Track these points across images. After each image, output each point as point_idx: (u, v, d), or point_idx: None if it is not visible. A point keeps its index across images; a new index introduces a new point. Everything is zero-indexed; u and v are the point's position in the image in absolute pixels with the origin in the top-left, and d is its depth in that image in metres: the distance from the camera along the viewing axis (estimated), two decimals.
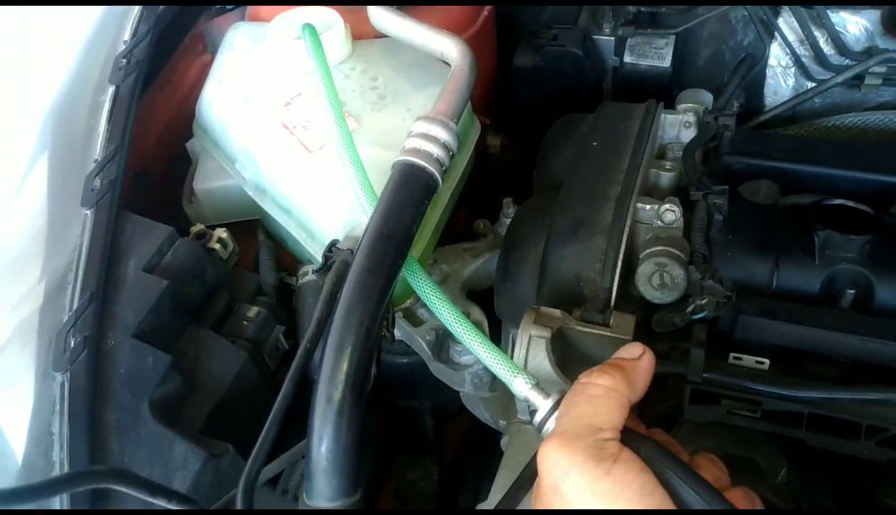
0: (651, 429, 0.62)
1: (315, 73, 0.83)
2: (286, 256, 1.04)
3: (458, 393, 1.04)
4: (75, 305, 0.80)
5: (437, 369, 1.00)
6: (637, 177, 0.92)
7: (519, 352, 0.79)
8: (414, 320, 1.01)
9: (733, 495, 0.56)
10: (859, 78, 1.32)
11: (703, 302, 0.75)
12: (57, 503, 0.74)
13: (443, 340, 1.00)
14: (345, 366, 0.62)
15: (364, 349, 0.64)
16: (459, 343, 0.98)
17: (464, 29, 1.14)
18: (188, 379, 0.77)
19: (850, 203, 0.85)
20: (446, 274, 1.04)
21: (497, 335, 0.99)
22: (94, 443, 0.77)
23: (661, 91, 1.30)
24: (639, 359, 0.59)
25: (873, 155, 0.98)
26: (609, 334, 0.80)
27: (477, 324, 0.99)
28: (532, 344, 0.78)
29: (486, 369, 0.80)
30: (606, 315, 0.81)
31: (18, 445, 0.78)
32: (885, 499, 0.70)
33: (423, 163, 0.71)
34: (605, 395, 0.55)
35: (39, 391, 0.78)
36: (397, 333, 1.03)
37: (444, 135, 0.73)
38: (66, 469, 0.74)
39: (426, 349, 0.98)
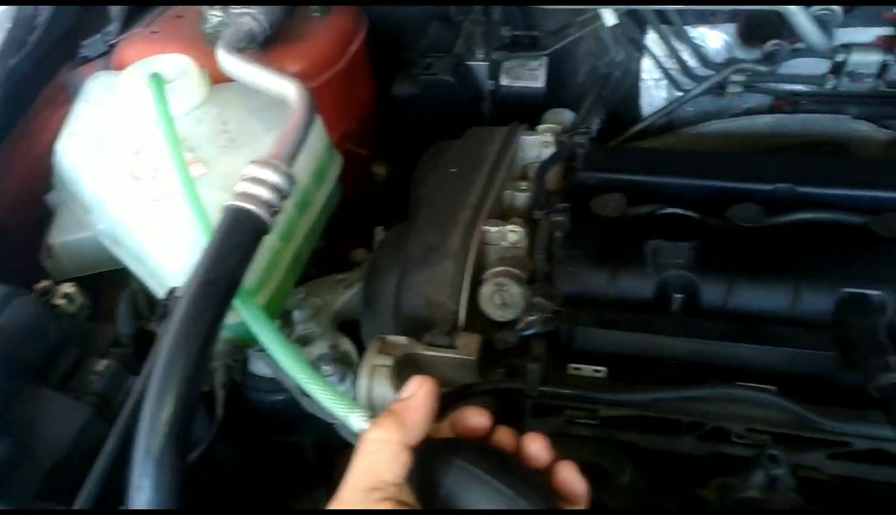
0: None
1: (158, 123, 0.85)
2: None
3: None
4: None
5: (307, 404, 1.01)
6: (488, 201, 0.96)
7: (362, 383, 0.82)
8: None
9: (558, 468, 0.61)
10: (722, 87, 1.40)
11: (533, 318, 0.79)
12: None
13: None
14: (164, 416, 0.62)
15: (184, 398, 0.64)
16: (327, 377, 1.01)
17: (330, 65, 1.17)
18: (21, 443, 0.76)
19: (679, 211, 0.89)
20: (318, 307, 1.06)
21: None
22: None
23: (540, 110, 1.35)
24: (412, 398, 0.60)
25: (712, 162, 1.04)
26: (454, 356, 0.84)
27: (346, 355, 1.02)
28: (375, 374, 0.81)
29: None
30: (453, 337, 0.84)
31: None
32: (704, 492, 0.74)
33: (250, 206, 0.73)
34: (378, 450, 0.58)
35: None
36: (268, 371, 1.04)
37: (274, 178, 0.75)
38: None
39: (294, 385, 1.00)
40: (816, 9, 1.18)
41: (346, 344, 1.01)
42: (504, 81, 1.38)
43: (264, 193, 0.75)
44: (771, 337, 0.79)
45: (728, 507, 0.69)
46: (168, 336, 0.65)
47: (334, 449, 1.21)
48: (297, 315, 1.06)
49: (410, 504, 0.56)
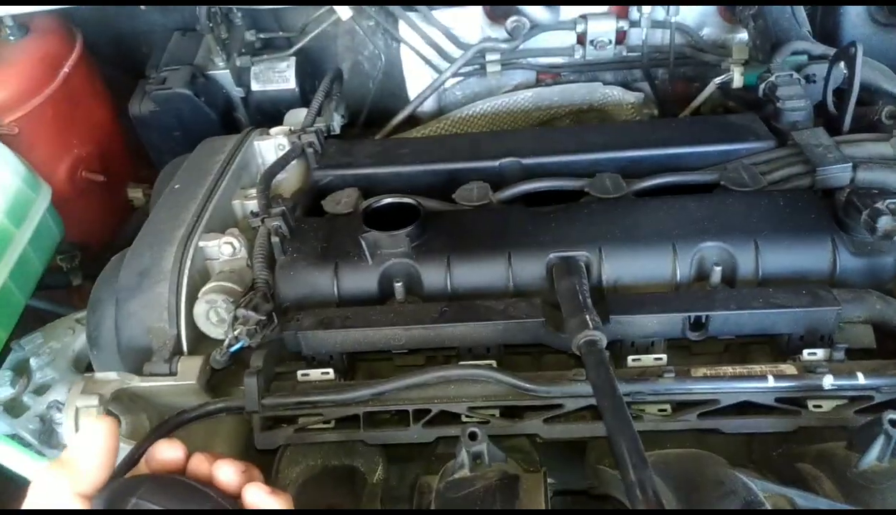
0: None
1: None
2: None
3: None
4: None
5: (52, 455, 0.93)
6: (205, 214, 0.91)
7: (67, 427, 0.76)
8: (16, 410, 0.94)
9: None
10: (483, 67, 1.42)
11: (237, 332, 0.75)
12: None
13: (50, 426, 0.94)
14: None
15: None
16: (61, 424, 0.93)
17: (38, 90, 1.08)
18: None
19: (396, 199, 0.89)
20: (55, 352, 0.99)
21: None
22: None
23: None
24: (81, 444, 0.56)
25: (441, 146, 1.05)
26: (173, 383, 0.79)
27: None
28: (81, 416, 0.75)
29: None
30: (173, 363, 0.79)
31: None
32: (430, 478, 0.73)
33: None
34: (46, 500, 0.54)
35: None
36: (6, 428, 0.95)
37: None
38: None
39: (33, 440, 0.92)
40: None
41: None
42: (255, 86, 1.33)
43: None
44: (485, 312, 0.79)
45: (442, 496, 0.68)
46: None
47: None
48: (34, 362, 0.99)
49: None
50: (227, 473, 0.59)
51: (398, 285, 0.83)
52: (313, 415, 0.78)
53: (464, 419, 0.76)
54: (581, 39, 1.37)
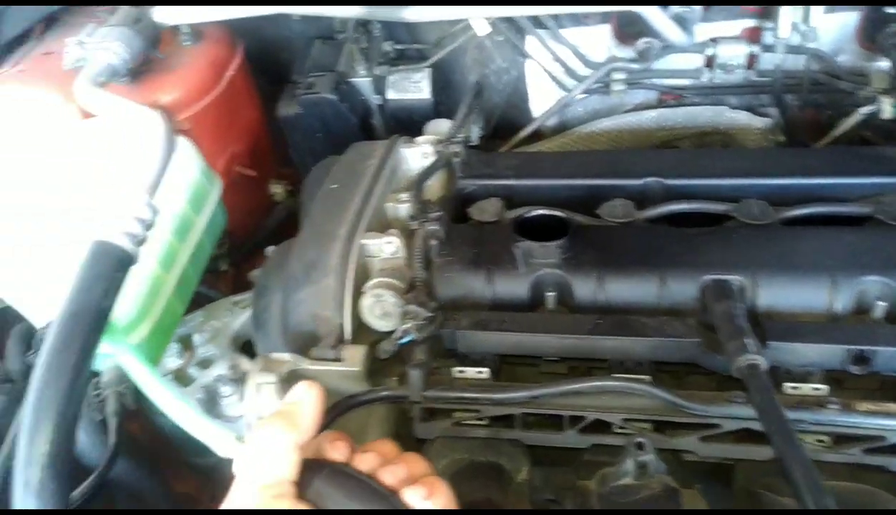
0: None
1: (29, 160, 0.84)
2: None
3: None
4: None
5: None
6: (366, 215, 0.97)
7: (249, 401, 0.82)
8: (184, 381, 1.02)
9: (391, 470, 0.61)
10: (607, 86, 1.45)
11: (407, 326, 0.81)
12: None
13: (214, 396, 1.01)
14: (39, 448, 0.62)
15: (60, 429, 0.64)
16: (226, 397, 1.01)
17: (206, 92, 1.17)
18: None
19: (546, 212, 0.92)
20: (217, 330, 1.07)
21: None
22: None
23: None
24: (299, 400, 0.62)
25: (584, 161, 1.08)
26: (339, 368, 0.84)
27: (246, 375, 1.02)
28: (261, 392, 0.81)
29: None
30: (339, 350, 0.85)
31: None
32: (588, 483, 0.76)
33: (112, 239, 0.73)
34: (267, 447, 0.58)
35: None
36: None
37: (135, 209, 0.76)
38: None
39: (198, 407, 0.99)
40: (675, 8, 1.23)
41: (246, 364, 1.01)
42: (391, 95, 1.39)
43: (126, 225, 0.75)
44: (639, 328, 0.81)
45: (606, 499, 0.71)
46: (36, 370, 0.65)
47: None
48: (196, 339, 1.07)
49: (306, 505, 0.56)
50: (395, 471, 0.62)
51: (550, 295, 0.87)
52: (468, 411, 0.83)
53: (615, 430, 0.80)
54: (709, 62, 1.38)
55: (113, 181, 0.88)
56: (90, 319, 0.69)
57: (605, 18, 1.41)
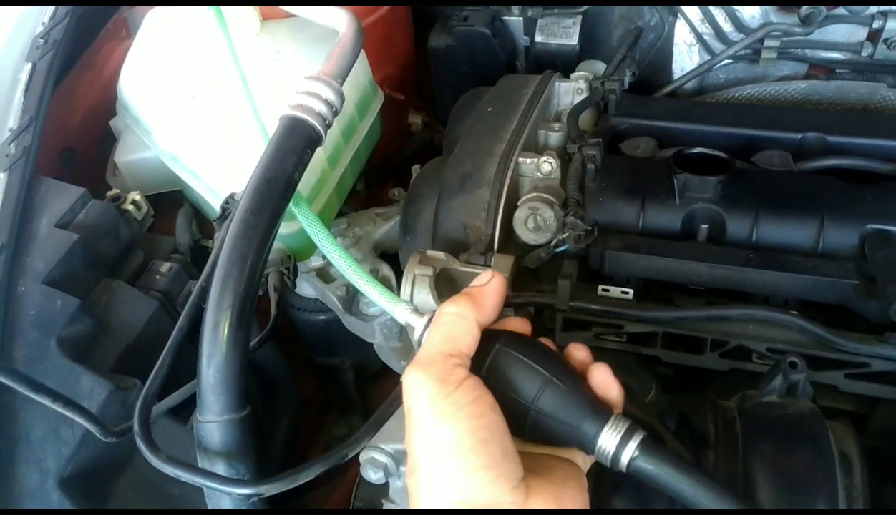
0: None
1: (223, 50, 0.90)
2: (209, 225, 1.11)
3: (373, 348, 1.12)
4: None
5: (349, 322, 1.07)
6: (522, 136, 1.00)
7: (405, 289, 0.87)
8: (326, 278, 1.08)
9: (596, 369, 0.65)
10: (757, 53, 1.42)
11: (564, 235, 0.83)
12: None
13: (353, 295, 1.07)
14: (229, 295, 0.68)
15: (247, 280, 0.70)
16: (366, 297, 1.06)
17: (373, 10, 1.22)
18: (99, 323, 0.83)
19: (707, 150, 0.93)
20: (359, 237, 1.12)
21: None
22: None
23: (572, 69, 1.38)
24: (486, 285, 0.66)
25: (741, 113, 1.08)
26: None
27: (385, 280, 1.07)
28: (416, 282, 0.86)
29: (393, 319, 0.87)
30: (488, 257, 0.89)
31: None
32: (723, 402, 0.77)
33: (304, 116, 0.78)
34: (453, 322, 0.62)
35: None
36: (311, 292, 1.09)
37: (326, 92, 0.80)
38: None
39: (338, 304, 1.06)
40: None
41: (386, 270, 1.06)
42: (538, 38, 1.41)
43: (316, 105, 0.80)
44: (794, 265, 0.82)
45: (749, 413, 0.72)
46: (232, 227, 0.71)
47: (371, 376, 1.28)
48: (340, 242, 1.12)
49: (467, 386, 0.59)
50: (576, 351, 0.67)
51: (703, 227, 0.88)
52: (608, 327, 0.85)
53: (755, 360, 0.80)
54: (873, 36, 1.33)
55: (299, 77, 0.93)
56: (281, 186, 0.74)
57: None
